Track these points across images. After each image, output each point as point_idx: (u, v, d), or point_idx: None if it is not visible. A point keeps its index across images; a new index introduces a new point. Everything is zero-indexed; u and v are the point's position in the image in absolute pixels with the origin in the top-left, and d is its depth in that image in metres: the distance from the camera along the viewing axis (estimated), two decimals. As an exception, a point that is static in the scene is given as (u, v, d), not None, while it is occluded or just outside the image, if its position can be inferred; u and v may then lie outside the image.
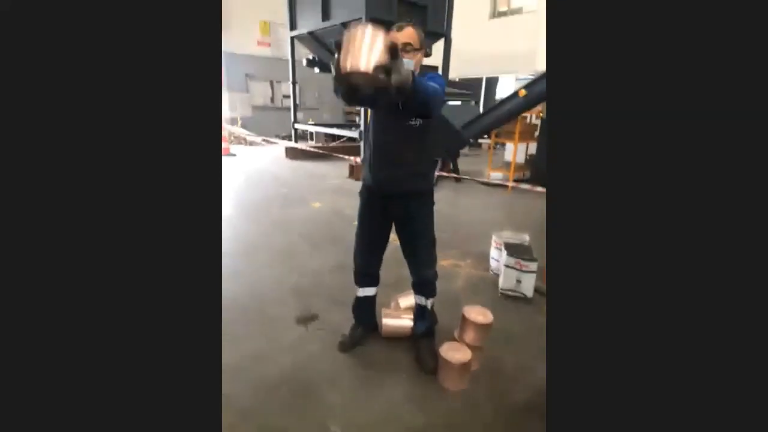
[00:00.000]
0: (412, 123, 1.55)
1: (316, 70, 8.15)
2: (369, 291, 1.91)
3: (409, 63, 1.50)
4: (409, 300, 2.04)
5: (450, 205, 4.62)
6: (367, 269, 1.85)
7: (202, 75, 0.60)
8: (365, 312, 1.93)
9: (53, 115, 0.52)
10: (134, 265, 0.57)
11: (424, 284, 1.79)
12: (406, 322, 1.91)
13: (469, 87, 9.44)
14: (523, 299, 2.36)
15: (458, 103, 8.58)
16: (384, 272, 1.88)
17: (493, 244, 2.74)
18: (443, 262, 2.90)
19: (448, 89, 8.88)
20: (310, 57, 7.98)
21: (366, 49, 0.96)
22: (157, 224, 0.58)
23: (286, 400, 1.51)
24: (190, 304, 0.59)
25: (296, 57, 7.75)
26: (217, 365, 0.62)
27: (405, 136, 1.56)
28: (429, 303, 1.82)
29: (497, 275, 2.58)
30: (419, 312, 1.85)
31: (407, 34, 1.49)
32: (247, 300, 2.24)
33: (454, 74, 8.91)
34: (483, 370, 1.72)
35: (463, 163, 6.48)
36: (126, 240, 0.56)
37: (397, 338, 1.90)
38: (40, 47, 0.52)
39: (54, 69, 0.52)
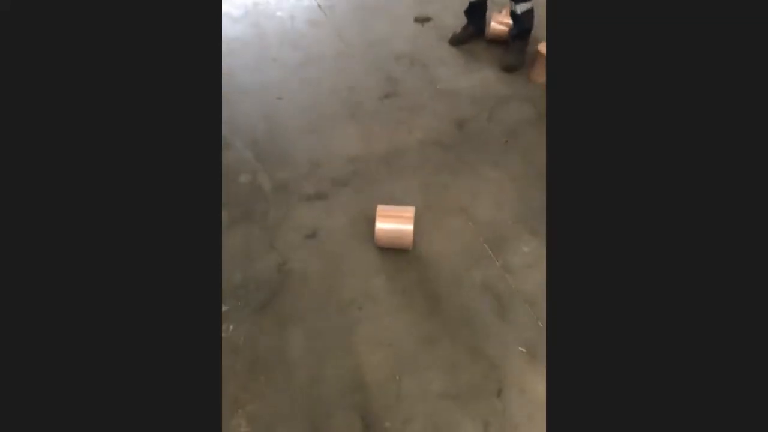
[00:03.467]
0: None
1: None
2: (482, -3, 2.06)
3: None
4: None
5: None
6: None
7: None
8: (476, 15, 2.14)
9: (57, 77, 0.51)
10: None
11: None
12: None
13: None
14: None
15: None
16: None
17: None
18: None
19: None
20: None
21: None
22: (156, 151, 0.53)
23: (406, 65, 2.02)
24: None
25: None
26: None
27: None
28: (518, 8, 1.91)
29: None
30: (512, 17, 2.00)
31: None
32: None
33: None
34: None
35: None
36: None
37: (499, 42, 2.15)
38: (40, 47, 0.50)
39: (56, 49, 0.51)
